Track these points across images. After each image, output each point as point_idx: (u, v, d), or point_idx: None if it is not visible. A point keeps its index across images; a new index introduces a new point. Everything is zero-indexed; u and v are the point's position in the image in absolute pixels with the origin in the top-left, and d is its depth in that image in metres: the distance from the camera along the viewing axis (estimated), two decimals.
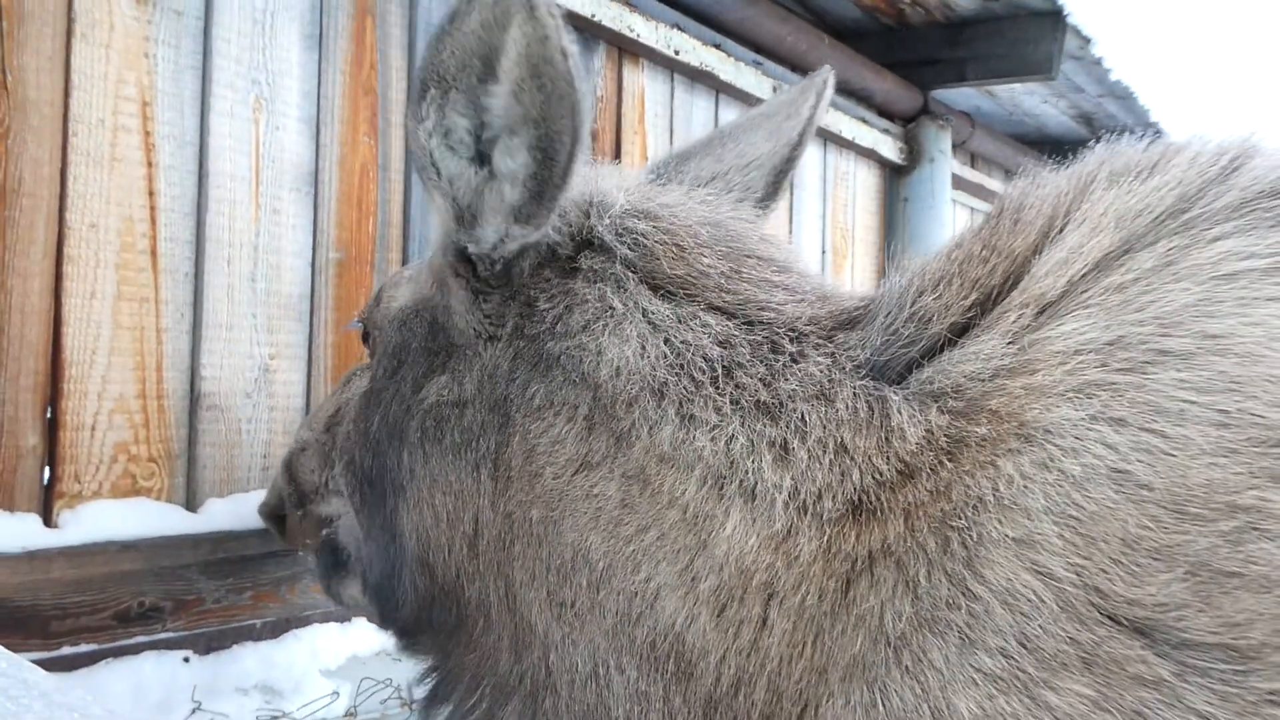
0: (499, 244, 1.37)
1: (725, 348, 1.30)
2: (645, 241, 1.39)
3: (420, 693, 1.59)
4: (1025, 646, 1.00)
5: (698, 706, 1.19)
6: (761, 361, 1.28)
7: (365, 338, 1.63)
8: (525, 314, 1.39)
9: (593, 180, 1.50)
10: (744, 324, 1.33)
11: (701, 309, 1.34)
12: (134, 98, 2.55)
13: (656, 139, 4.23)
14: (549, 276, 1.39)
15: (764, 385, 1.26)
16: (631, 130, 4.12)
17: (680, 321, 1.32)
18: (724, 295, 1.36)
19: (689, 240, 1.41)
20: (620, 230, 1.39)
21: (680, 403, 1.26)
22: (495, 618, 1.37)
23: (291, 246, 2.88)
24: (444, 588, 1.44)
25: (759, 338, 1.30)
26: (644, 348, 1.31)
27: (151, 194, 2.58)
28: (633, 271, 1.37)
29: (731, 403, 1.25)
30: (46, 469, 2.41)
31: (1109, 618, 0.97)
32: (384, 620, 1.66)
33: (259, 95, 2.81)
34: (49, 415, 2.42)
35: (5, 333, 2.33)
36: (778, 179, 1.80)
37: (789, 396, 1.24)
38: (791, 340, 1.30)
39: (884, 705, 1.06)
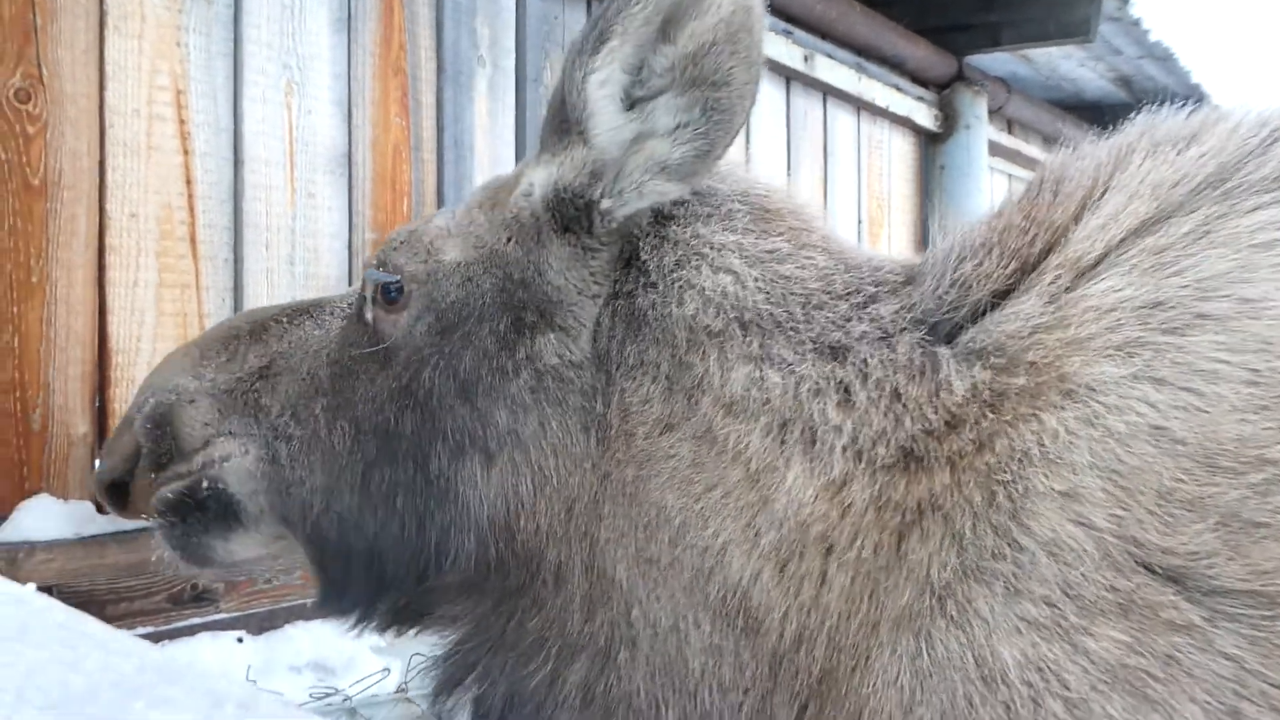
0: (636, 197, 1.39)
1: (824, 282, 1.34)
2: (755, 197, 1.45)
3: (436, 676, 1.52)
4: (1068, 595, 1.04)
5: (764, 661, 1.23)
6: (847, 301, 1.32)
7: (388, 291, 1.52)
8: (625, 270, 1.41)
9: None
10: (843, 265, 1.38)
11: (802, 246, 1.39)
12: (168, 87, 2.57)
13: None
14: (649, 230, 1.41)
15: (842, 326, 1.29)
16: None
17: (787, 254, 1.37)
18: (822, 240, 1.42)
19: (781, 191, 1.49)
20: (737, 189, 1.45)
21: (765, 336, 1.30)
22: (570, 578, 1.36)
23: (328, 229, 2.90)
24: (522, 552, 1.40)
25: (852, 279, 1.35)
26: (742, 277, 1.34)
27: (189, 181, 2.60)
28: (738, 213, 1.41)
29: (812, 341, 1.28)
30: (97, 456, 2.45)
31: (1144, 566, 1.02)
32: (369, 592, 1.55)
33: (290, 79, 2.82)
34: (98, 404, 2.46)
35: (53, 324, 2.36)
36: None
37: (859, 338, 1.27)
38: (873, 284, 1.34)
39: (929, 654, 1.10)
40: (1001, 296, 1.24)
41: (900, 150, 5.61)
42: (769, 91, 4.63)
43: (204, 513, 1.61)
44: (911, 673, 1.11)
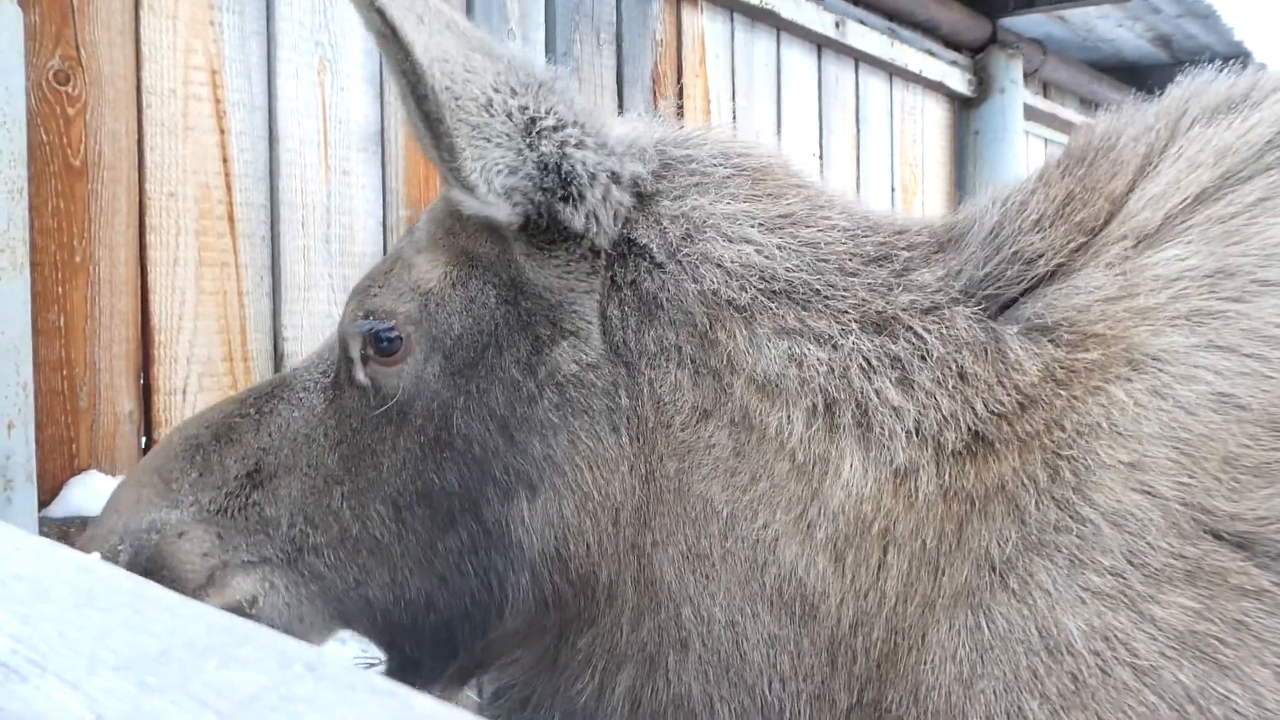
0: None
1: (853, 244, 1.27)
2: (738, 158, 1.37)
3: (493, 712, 1.44)
4: (1133, 563, 1.03)
5: (822, 647, 1.21)
6: (884, 267, 1.25)
7: (380, 341, 1.36)
8: (620, 258, 1.32)
9: (634, 126, 1.46)
10: (866, 226, 1.31)
11: (819, 208, 1.32)
12: (203, 66, 2.59)
13: (718, 80, 4.18)
14: (635, 218, 1.32)
15: (882, 294, 1.23)
16: (693, 73, 4.08)
17: (805, 217, 1.30)
18: (833, 200, 1.36)
19: (777, 155, 1.41)
20: (712, 152, 1.37)
21: (799, 308, 1.22)
22: (620, 592, 1.30)
23: (362, 206, 2.92)
24: (576, 578, 1.32)
25: (881, 242, 1.28)
26: (764, 245, 1.26)
27: (225, 160, 2.63)
28: (734, 181, 1.34)
29: (854, 311, 1.21)
30: (143, 433, 2.50)
31: (1211, 533, 1.02)
32: (442, 663, 1.43)
33: (323, 57, 2.83)
34: (142, 381, 2.51)
35: (97, 304, 2.40)
36: None
37: (906, 308, 1.21)
38: (906, 248, 1.27)
39: (989, 627, 1.09)
40: (1060, 269, 1.21)
41: (934, 116, 5.54)
42: (800, 59, 4.59)
43: None
44: (971, 646, 1.10)
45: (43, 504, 2.29)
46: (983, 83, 5.62)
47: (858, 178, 4.91)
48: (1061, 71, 6.42)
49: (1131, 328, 1.11)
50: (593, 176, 1.28)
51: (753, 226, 1.28)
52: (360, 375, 1.39)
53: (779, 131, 4.46)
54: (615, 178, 1.29)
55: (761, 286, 1.24)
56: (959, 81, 5.52)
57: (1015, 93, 5.62)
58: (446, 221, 1.41)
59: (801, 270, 1.24)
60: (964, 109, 5.68)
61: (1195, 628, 1.00)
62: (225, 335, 2.62)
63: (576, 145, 1.28)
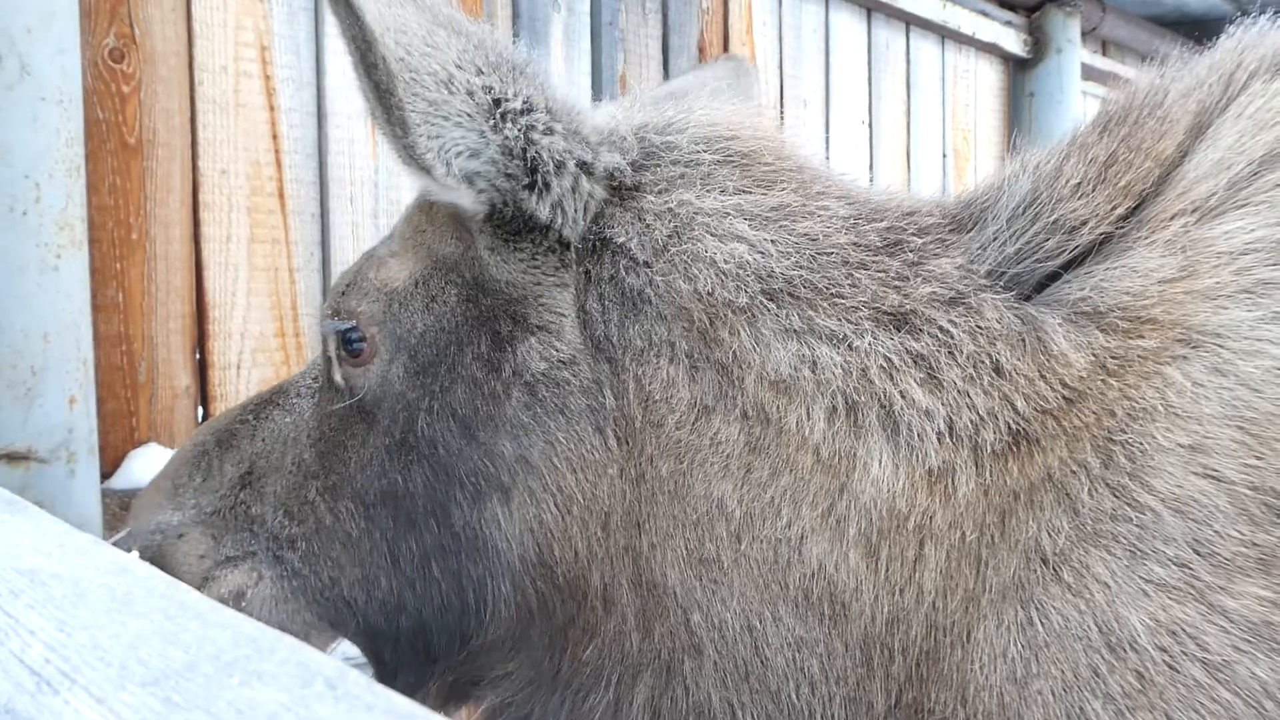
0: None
1: (853, 234, 1.18)
2: (723, 142, 1.27)
3: None
4: (1199, 553, 0.97)
5: (855, 646, 1.14)
6: (894, 256, 1.15)
7: (349, 342, 1.34)
8: (595, 258, 1.24)
9: (601, 111, 1.38)
10: (868, 212, 1.21)
11: (814, 196, 1.22)
12: (252, 43, 2.61)
13: (765, 48, 4.13)
14: (612, 212, 1.24)
15: (895, 286, 1.13)
16: (739, 41, 4.03)
17: (800, 208, 1.20)
18: (830, 185, 1.25)
19: (771, 135, 1.31)
20: (695, 138, 1.28)
21: (802, 307, 1.14)
22: (619, 597, 1.23)
23: (409, 182, 2.92)
24: (564, 584, 1.25)
25: (887, 229, 1.19)
26: (757, 242, 1.17)
27: (275, 137, 2.66)
28: (722, 169, 1.24)
29: (866, 308, 1.12)
30: (200, 407, 2.56)
31: None
32: (419, 671, 1.40)
33: None
34: (198, 356, 2.56)
35: (153, 280, 2.45)
36: None
37: (926, 301, 1.11)
38: (917, 234, 1.18)
39: (1043, 624, 1.02)
40: (1106, 239, 1.12)
41: (987, 79, 5.42)
42: (849, 24, 4.51)
43: None
44: (1023, 644, 1.03)
45: (105, 476, 2.35)
46: (1038, 43, 5.48)
47: (908, 144, 4.83)
48: (1121, 29, 6.23)
49: (1192, 309, 1.04)
50: (560, 165, 1.21)
51: (743, 222, 1.18)
52: (337, 375, 1.38)
53: (827, 99, 4.39)
54: (586, 168, 1.22)
55: (758, 287, 1.15)
56: (1013, 42, 5.39)
57: (1072, 52, 5.48)
58: (416, 219, 1.39)
59: (800, 267, 1.15)
60: (1019, 71, 5.55)
61: (1271, 619, 0.94)
62: (277, 311, 2.67)
63: (544, 131, 1.20)
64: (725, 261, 1.17)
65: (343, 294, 1.39)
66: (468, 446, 1.26)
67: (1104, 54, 6.37)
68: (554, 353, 1.24)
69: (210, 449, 1.53)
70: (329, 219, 2.77)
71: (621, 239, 1.22)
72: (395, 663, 1.42)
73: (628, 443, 1.21)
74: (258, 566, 1.42)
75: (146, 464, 2.41)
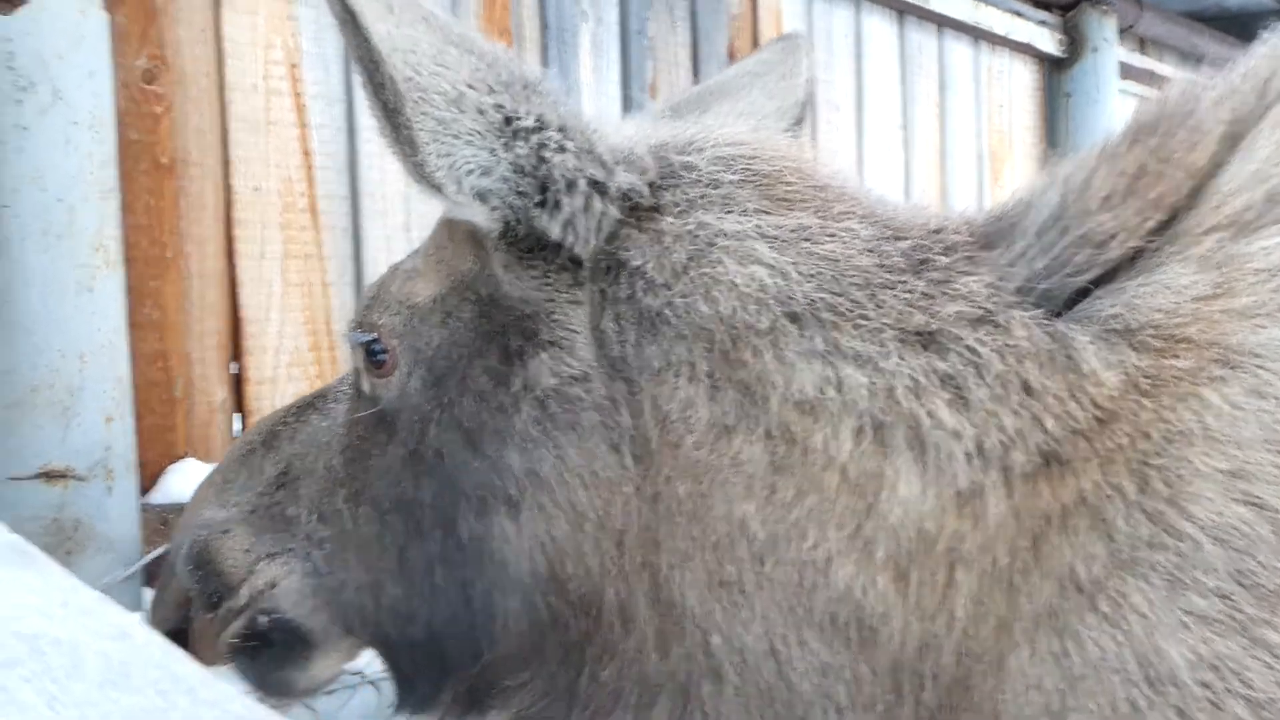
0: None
1: (876, 255, 1.16)
2: (745, 161, 1.26)
3: None
4: (1242, 584, 0.93)
5: (884, 673, 1.10)
6: (920, 276, 1.13)
7: (372, 353, 1.37)
8: (611, 278, 1.23)
9: (621, 129, 1.37)
10: (891, 231, 1.19)
11: (835, 217, 1.20)
12: (282, 61, 2.64)
13: None
14: (629, 233, 1.23)
15: (921, 306, 1.11)
16: None
17: (820, 230, 1.18)
18: (853, 206, 1.23)
19: (794, 155, 1.30)
20: (715, 158, 1.26)
21: (826, 329, 1.11)
22: (636, 616, 1.21)
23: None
24: (576, 600, 1.24)
25: (911, 248, 1.16)
26: (777, 266, 1.15)
27: (306, 153, 2.68)
28: (742, 190, 1.23)
29: (891, 329, 1.10)
30: (236, 421, 2.58)
31: None
32: (434, 681, 1.42)
33: None
34: (234, 371, 2.58)
35: (189, 296, 2.48)
36: (793, 134, 1.65)
37: (953, 321, 1.09)
38: (943, 252, 1.15)
39: (1079, 655, 0.99)
40: (1138, 254, 1.08)
41: (1022, 80, 5.36)
42: (880, 27, 4.48)
43: (272, 646, 1.51)
44: (1059, 675, 1.00)
45: (144, 491, 2.38)
46: (1074, 42, 5.41)
47: (942, 147, 4.79)
48: (1159, 26, 6.14)
49: (1230, 329, 1.00)
50: (571, 183, 1.19)
51: (764, 244, 1.17)
52: (364, 385, 1.41)
53: (859, 103, 4.36)
54: (599, 187, 1.21)
55: (780, 310, 1.14)
56: (1048, 42, 5.32)
57: (1109, 51, 5.40)
58: (439, 235, 1.40)
59: (823, 290, 1.13)
60: (1054, 70, 5.48)
61: None
62: (311, 325, 2.68)
63: (556, 149, 1.19)
64: (746, 285, 1.15)
65: (367, 307, 1.41)
66: (473, 459, 1.27)
67: (1142, 52, 6.28)
68: (565, 368, 1.23)
69: (257, 447, 1.58)
70: (362, 233, 2.78)
71: (639, 261, 1.21)
72: (412, 672, 1.45)
73: (643, 461, 1.19)
74: (290, 562, 1.47)
75: (184, 479, 2.43)
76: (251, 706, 0.40)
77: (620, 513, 1.20)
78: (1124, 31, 5.74)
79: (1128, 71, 5.91)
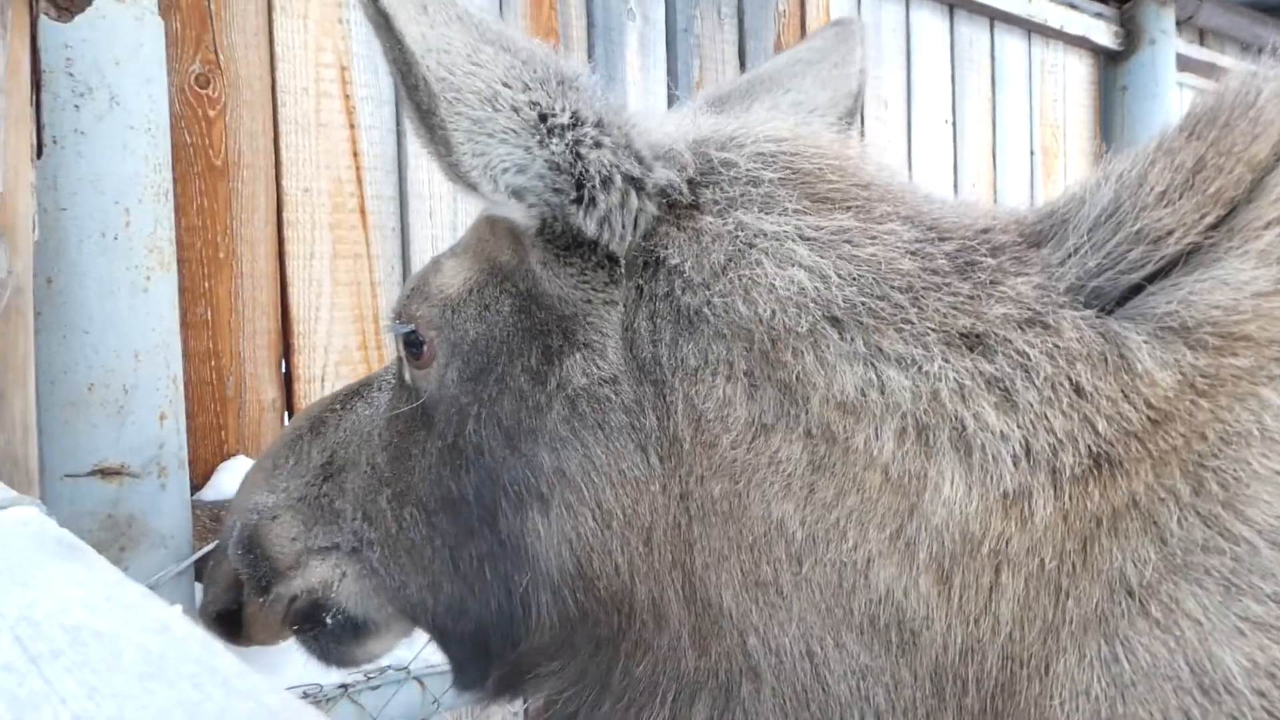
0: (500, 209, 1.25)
1: (918, 259, 1.13)
2: (786, 159, 1.24)
3: None
4: None
5: (925, 676, 1.09)
6: (961, 277, 1.11)
7: (411, 344, 1.39)
8: (649, 275, 1.22)
9: (663, 125, 1.35)
10: (935, 233, 1.17)
11: (878, 219, 1.18)
12: (332, 64, 2.67)
13: None
14: (666, 230, 1.22)
15: (967, 309, 1.09)
16: None
17: (861, 232, 1.16)
18: (897, 205, 1.21)
19: (836, 152, 1.27)
20: (755, 155, 1.25)
21: (867, 333, 1.10)
22: (670, 614, 1.21)
23: None
24: (606, 597, 1.25)
25: (952, 249, 1.14)
26: (816, 269, 1.13)
27: (355, 155, 2.71)
28: (783, 189, 1.21)
29: (935, 332, 1.09)
30: (286, 418, 2.62)
31: None
32: (480, 667, 1.45)
33: None
34: (284, 370, 2.62)
35: (240, 296, 2.52)
36: (842, 127, 1.64)
37: (1000, 323, 1.07)
38: (990, 253, 1.13)
39: (1129, 661, 0.97)
40: (1194, 250, 1.05)
41: (1076, 73, 5.27)
42: (930, 22, 4.42)
43: (335, 632, 1.56)
44: (1108, 682, 0.98)
45: (196, 488, 2.42)
46: (1130, 34, 5.30)
47: (994, 143, 4.72)
48: (1219, 16, 5.99)
49: None
50: (607, 180, 1.19)
51: (804, 246, 1.15)
52: (405, 375, 1.42)
53: (909, 99, 4.31)
54: (636, 183, 1.20)
55: (820, 313, 1.12)
56: (1104, 35, 5.22)
57: (1167, 44, 5.29)
58: (480, 229, 1.41)
59: (864, 294, 1.11)
60: (1110, 64, 5.38)
61: None
62: (360, 324, 2.72)
63: (592, 145, 1.18)
64: (785, 288, 1.14)
65: (408, 298, 1.42)
66: (511, 456, 1.28)
67: (1201, 43, 6.14)
68: (596, 370, 1.23)
69: (304, 433, 1.60)
70: (409, 233, 2.81)
71: (677, 259, 1.20)
72: (461, 658, 1.49)
73: (672, 461, 1.19)
74: (341, 563, 1.49)
75: (235, 476, 2.47)
76: (285, 698, 0.41)
77: (647, 511, 1.21)
78: (1183, 23, 5.61)
79: (1186, 64, 5.78)
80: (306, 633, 1.59)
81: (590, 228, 1.21)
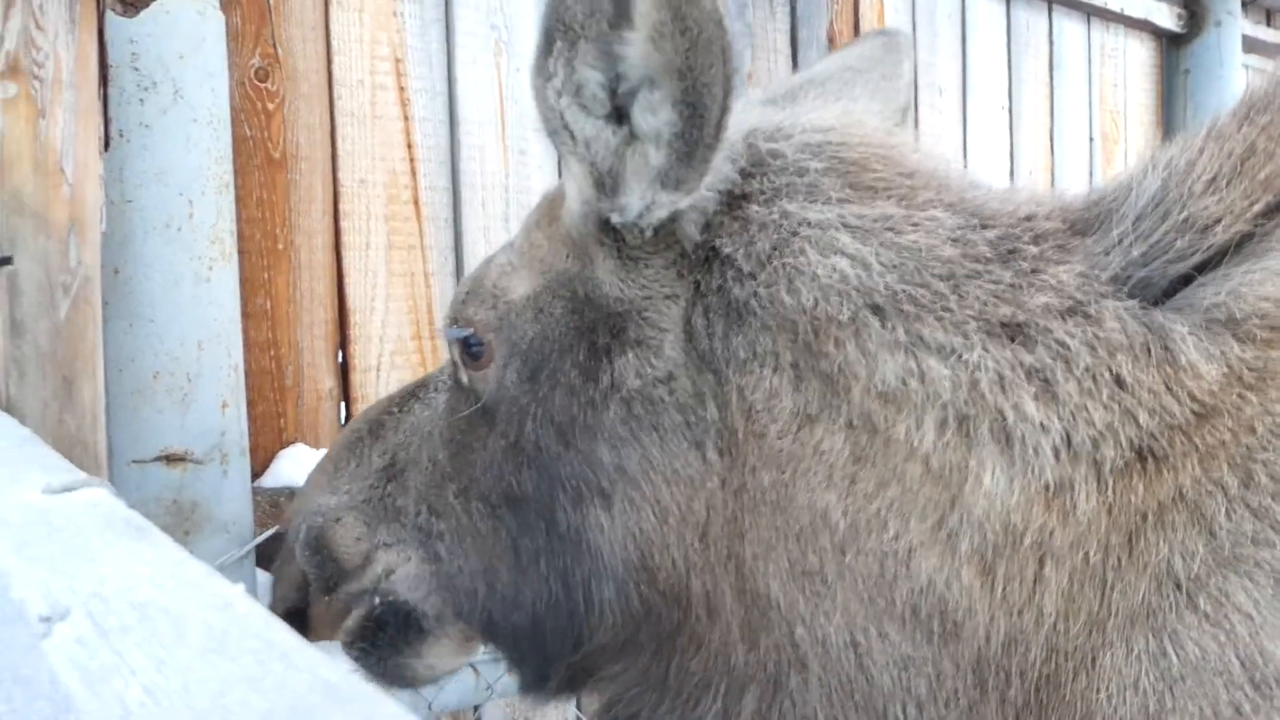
0: (645, 212, 1.21)
1: (961, 246, 1.13)
2: (832, 149, 1.24)
3: None
4: None
5: (968, 668, 1.09)
6: (1007, 266, 1.10)
7: (469, 347, 1.41)
8: (705, 269, 1.22)
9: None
10: (977, 219, 1.16)
11: (920, 205, 1.17)
12: (387, 56, 2.70)
13: None
14: (721, 220, 1.22)
15: (1008, 298, 1.08)
16: (870, 30, 3.95)
17: (904, 219, 1.15)
18: (940, 193, 1.20)
19: (881, 141, 1.27)
20: (801, 145, 1.25)
21: (909, 321, 1.10)
22: (722, 607, 1.23)
23: (539, 185, 2.98)
24: (666, 589, 1.27)
25: (999, 237, 1.13)
26: (859, 256, 1.13)
27: (409, 146, 2.74)
28: (827, 178, 1.21)
29: (975, 320, 1.08)
30: (343, 408, 2.67)
31: None
32: (537, 667, 1.46)
33: (498, 39, 2.90)
34: (340, 360, 2.67)
35: (298, 287, 2.57)
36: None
37: (1042, 313, 1.06)
38: (1032, 241, 1.12)
39: (1177, 655, 0.96)
40: (1244, 239, 1.03)
41: (1137, 57, 5.15)
42: (986, 6, 4.36)
43: (385, 630, 1.57)
44: (1156, 675, 0.97)
45: (255, 475, 2.48)
46: (1194, 16, 5.17)
47: (1051, 129, 4.64)
48: None
49: None
50: None
51: (846, 234, 1.15)
52: (462, 377, 1.44)
53: (964, 84, 4.26)
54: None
55: (861, 301, 1.12)
56: (1166, 17, 5.10)
57: (1232, 25, 5.15)
58: (533, 233, 1.42)
59: (905, 282, 1.11)
60: (1172, 47, 5.25)
61: None
62: (414, 315, 2.75)
63: None
64: (827, 277, 1.14)
65: (463, 302, 1.44)
66: (566, 451, 1.30)
67: (1269, 24, 5.97)
68: (650, 370, 1.24)
69: (364, 436, 1.63)
70: (461, 224, 2.84)
71: (729, 250, 1.21)
72: (519, 658, 1.50)
73: (730, 454, 1.20)
74: (405, 550, 1.53)
75: (294, 464, 2.53)
76: (343, 672, 0.43)
77: (703, 507, 1.22)
78: (1249, 3, 5.46)
79: (1253, 45, 5.62)
80: (362, 644, 1.61)
81: (687, 227, 1.23)
